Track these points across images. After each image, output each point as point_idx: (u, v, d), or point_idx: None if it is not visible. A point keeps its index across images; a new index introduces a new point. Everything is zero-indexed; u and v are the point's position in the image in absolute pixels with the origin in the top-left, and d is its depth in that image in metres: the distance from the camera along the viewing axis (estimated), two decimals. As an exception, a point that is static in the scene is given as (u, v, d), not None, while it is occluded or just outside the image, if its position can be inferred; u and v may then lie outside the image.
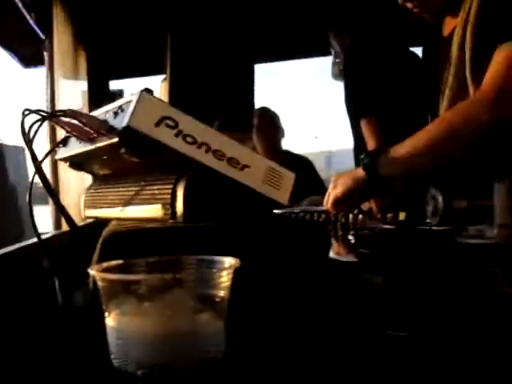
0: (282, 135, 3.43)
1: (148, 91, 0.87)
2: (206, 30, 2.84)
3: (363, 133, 2.11)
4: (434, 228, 0.67)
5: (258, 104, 3.51)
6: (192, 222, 0.79)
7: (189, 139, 0.85)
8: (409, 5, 1.40)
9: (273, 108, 3.53)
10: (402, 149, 1.25)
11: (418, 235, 0.91)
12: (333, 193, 1.38)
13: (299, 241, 0.79)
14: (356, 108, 2.17)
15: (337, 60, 2.46)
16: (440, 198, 0.64)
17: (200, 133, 0.86)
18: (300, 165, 3.37)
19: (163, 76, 2.92)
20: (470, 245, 0.65)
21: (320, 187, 2.84)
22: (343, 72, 2.25)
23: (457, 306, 0.56)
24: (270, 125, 3.34)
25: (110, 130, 0.86)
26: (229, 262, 0.55)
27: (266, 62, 3.68)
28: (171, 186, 0.82)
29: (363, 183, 1.31)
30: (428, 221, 0.68)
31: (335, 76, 2.49)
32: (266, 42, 3.43)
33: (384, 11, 2.23)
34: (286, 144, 3.58)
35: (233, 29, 3.25)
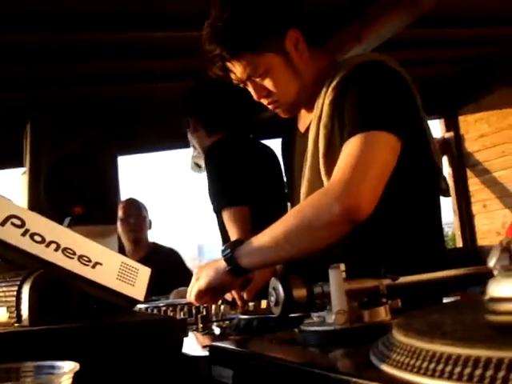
0: (149, 227, 3.40)
1: (-7, 190, 0.85)
2: (67, 122, 2.82)
3: (225, 223, 2.16)
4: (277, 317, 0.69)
5: (127, 195, 3.49)
6: (39, 325, 0.76)
7: (37, 238, 0.83)
8: (264, 101, 1.48)
9: (142, 199, 3.52)
10: (261, 239, 1.29)
11: (267, 324, 0.94)
12: (196, 285, 1.38)
13: (152, 339, 0.78)
14: (217, 199, 2.23)
15: (193, 154, 2.55)
16: (280, 289, 0.67)
17: (49, 231, 0.84)
18: (168, 256, 3.35)
19: (23, 169, 2.83)
20: (312, 331, 0.68)
21: (189, 278, 2.83)
22: (205, 165, 2.32)
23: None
24: (136, 216, 3.32)
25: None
26: (68, 366, 0.53)
27: (130, 154, 3.72)
28: (16, 289, 0.78)
29: (225, 274, 1.32)
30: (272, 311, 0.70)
31: (193, 168, 2.57)
32: (130, 135, 3.47)
33: (240, 104, 2.35)
34: (155, 235, 3.57)
35: (96, 121, 3.27)
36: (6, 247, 0.82)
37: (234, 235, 2.10)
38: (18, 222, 0.83)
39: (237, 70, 1.43)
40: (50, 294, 0.78)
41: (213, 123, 2.35)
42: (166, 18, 2.68)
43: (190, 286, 1.41)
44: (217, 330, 1.12)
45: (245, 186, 2.18)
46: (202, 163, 2.53)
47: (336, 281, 0.64)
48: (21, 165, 2.92)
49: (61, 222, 1.57)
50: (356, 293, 0.67)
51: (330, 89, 1.38)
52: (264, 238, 1.29)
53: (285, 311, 0.67)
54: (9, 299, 0.80)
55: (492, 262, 0.40)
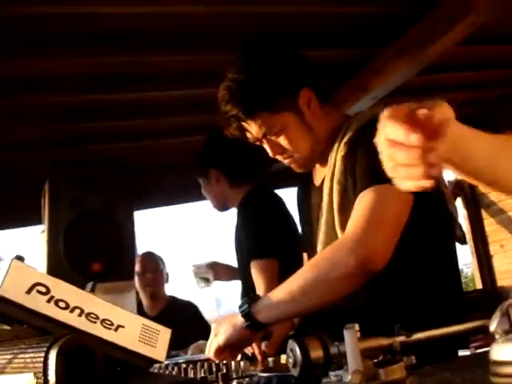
0: (167, 280, 3.41)
1: (19, 258, 0.88)
2: (85, 179, 2.88)
3: (254, 274, 2.17)
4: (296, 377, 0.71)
5: (144, 249, 3.51)
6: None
7: (61, 304, 0.86)
8: (279, 157, 1.52)
9: (159, 251, 3.54)
10: (278, 294, 1.31)
11: (287, 382, 0.95)
12: (214, 341, 1.39)
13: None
14: (249, 249, 2.25)
15: (196, 270, 2.58)
16: (297, 350, 0.69)
17: (72, 297, 0.87)
18: (186, 310, 3.35)
19: (42, 227, 2.88)
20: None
21: (207, 331, 2.83)
22: (239, 216, 2.34)
23: None
24: (153, 270, 3.33)
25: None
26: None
27: (147, 208, 3.78)
28: (43, 355, 0.81)
29: (243, 330, 1.34)
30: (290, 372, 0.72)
31: (199, 284, 2.60)
32: (146, 190, 3.54)
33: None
34: (173, 288, 3.57)
35: (112, 177, 3.33)
36: (33, 314, 0.85)
37: (260, 287, 2.11)
38: (43, 289, 0.86)
39: (252, 130, 1.48)
40: (76, 359, 0.81)
41: (238, 174, 2.38)
42: (174, 76, 2.75)
43: (209, 341, 1.42)
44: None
45: (276, 239, 2.21)
46: (210, 276, 2.55)
47: (351, 341, 0.66)
48: (40, 222, 2.97)
49: (80, 279, 1.60)
50: (371, 351, 0.69)
51: (343, 144, 1.42)
52: (281, 292, 1.31)
53: (303, 372, 0.69)
54: (36, 365, 0.83)
55: (493, 327, 0.43)
